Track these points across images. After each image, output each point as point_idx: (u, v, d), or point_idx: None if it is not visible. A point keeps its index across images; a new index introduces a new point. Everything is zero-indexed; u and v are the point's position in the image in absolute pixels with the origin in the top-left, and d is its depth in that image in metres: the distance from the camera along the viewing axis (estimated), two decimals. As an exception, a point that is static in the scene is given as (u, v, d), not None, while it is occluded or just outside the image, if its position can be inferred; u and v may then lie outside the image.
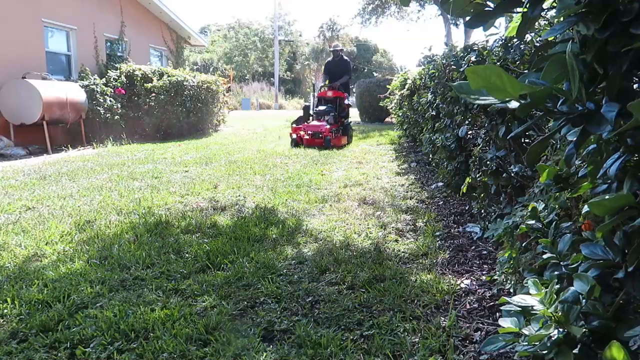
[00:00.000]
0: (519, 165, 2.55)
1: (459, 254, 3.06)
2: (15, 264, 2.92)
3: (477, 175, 3.12)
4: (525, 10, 1.02)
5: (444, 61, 4.20)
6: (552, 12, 1.27)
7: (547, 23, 1.65)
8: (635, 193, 0.95)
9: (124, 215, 4.07)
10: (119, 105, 10.46)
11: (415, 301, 2.37)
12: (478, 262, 2.90)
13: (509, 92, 0.86)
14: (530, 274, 1.75)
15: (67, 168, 6.68)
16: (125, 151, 8.68)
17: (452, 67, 3.70)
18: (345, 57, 10.67)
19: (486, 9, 1.04)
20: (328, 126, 9.02)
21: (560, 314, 1.08)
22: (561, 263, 1.36)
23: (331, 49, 11.03)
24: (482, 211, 3.31)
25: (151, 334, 2.06)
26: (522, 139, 2.66)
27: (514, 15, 1.30)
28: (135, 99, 10.92)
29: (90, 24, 11.37)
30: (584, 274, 1.10)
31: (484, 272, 2.72)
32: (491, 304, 2.31)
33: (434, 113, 4.99)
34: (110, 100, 10.30)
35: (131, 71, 11.03)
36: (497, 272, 2.49)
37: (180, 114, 11.11)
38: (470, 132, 3.49)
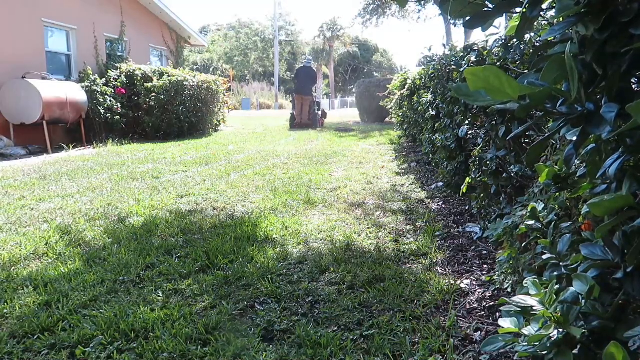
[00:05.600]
0: (519, 165, 2.55)
1: (459, 254, 3.06)
2: (15, 264, 2.92)
3: (477, 175, 3.12)
4: (525, 10, 1.02)
5: (443, 61, 4.20)
6: (552, 13, 1.27)
7: (547, 23, 1.65)
8: (635, 194, 0.95)
9: (124, 215, 4.07)
10: (119, 105, 10.46)
11: (415, 301, 2.37)
12: (478, 262, 2.90)
13: (508, 94, 0.86)
14: (529, 274, 1.75)
15: (67, 168, 6.69)
16: (125, 151, 8.68)
17: (452, 67, 3.70)
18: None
19: (485, 9, 1.04)
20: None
21: (559, 314, 1.08)
22: (561, 263, 1.36)
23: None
24: (482, 211, 3.31)
25: (151, 334, 2.06)
26: (522, 139, 2.66)
27: (513, 15, 1.30)
28: (136, 98, 10.92)
29: (90, 24, 11.37)
30: (584, 275, 1.10)
31: (484, 272, 2.72)
32: (491, 304, 2.31)
33: (434, 113, 4.99)
34: (111, 100, 10.30)
35: (131, 71, 11.03)
36: (497, 272, 2.49)
37: (180, 114, 11.11)
38: (470, 132, 3.49)
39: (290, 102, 14.71)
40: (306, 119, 13.71)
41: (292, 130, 13.46)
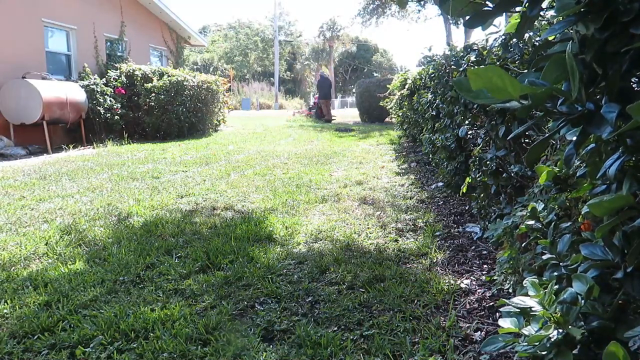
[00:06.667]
0: (519, 165, 2.55)
1: (459, 254, 3.06)
2: (15, 264, 2.92)
3: (477, 175, 3.11)
4: (525, 9, 1.02)
5: (443, 61, 4.20)
6: (552, 12, 1.27)
7: (546, 22, 1.65)
8: (635, 194, 0.95)
9: (124, 215, 4.07)
10: (119, 105, 10.46)
11: (415, 301, 2.37)
12: (478, 262, 2.90)
13: (510, 93, 0.86)
14: (529, 275, 1.75)
15: (67, 168, 6.69)
16: (125, 151, 8.68)
17: (452, 67, 3.69)
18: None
19: (485, 8, 1.04)
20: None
21: (559, 314, 1.08)
22: (561, 263, 1.36)
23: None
24: (482, 211, 3.31)
25: (151, 334, 2.06)
26: (522, 139, 2.65)
27: (513, 14, 1.29)
28: (135, 99, 10.92)
29: (90, 24, 11.37)
30: (583, 275, 1.10)
31: (484, 272, 2.72)
32: (491, 304, 2.31)
33: (434, 113, 4.99)
34: (110, 100, 10.30)
35: (131, 71, 11.03)
36: (497, 272, 2.49)
37: (180, 114, 11.11)
38: (470, 132, 3.49)
39: (315, 103, 20.28)
40: (330, 116, 18.81)
41: (317, 122, 18.09)
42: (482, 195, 3.22)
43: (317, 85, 19.78)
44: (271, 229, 3.61)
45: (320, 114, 19.25)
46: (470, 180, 3.23)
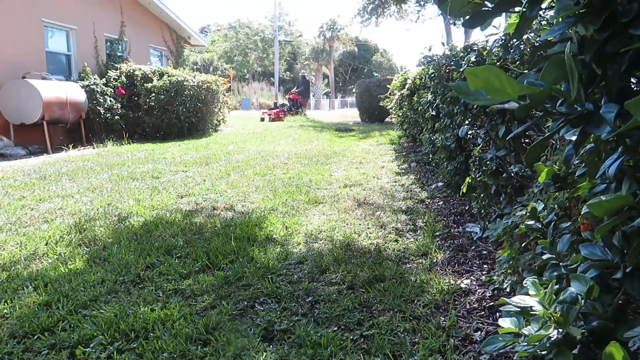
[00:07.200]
0: (518, 165, 2.55)
1: (459, 254, 3.06)
2: (15, 264, 2.92)
3: (477, 175, 3.11)
4: (524, 10, 1.02)
5: (443, 61, 4.20)
6: (552, 12, 1.27)
7: (546, 23, 1.65)
8: (634, 193, 0.95)
9: (124, 215, 4.07)
10: (119, 105, 10.46)
11: (415, 301, 2.37)
12: (478, 262, 2.90)
13: (508, 93, 0.86)
14: (529, 275, 1.75)
15: (67, 168, 6.69)
16: (125, 151, 8.68)
17: (452, 67, 3.69)
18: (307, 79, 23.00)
19: (484, 9, 1.04)
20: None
21: (559, 314, 1.08)
22: (560, 263, 1.36)
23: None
24: (482, 211, 3.31)
25: (151, 334, 2.06)
26: (522, 139, 2.66)
27: (512, 14, 1.29)
28: (136, 99, 10.92)
29: (90, 24, 11.37)
30: (582, 275, 1.10)
31: (484, 272, 2.72)
32: (491, 304, 2.31)
33: (434, 113, 4.99)
34: (110, 100, 10.30)
35: (131, 71, 11.03)
36: (497, 272, 2.49)
37: (180, 114, 11.11)
38: (470, 132, 3.49)
39: (290, 99, 22.20)
40: (305, 111, 22.29)
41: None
42: (482, 195, 3.22)
43: (303, 86, 22.31)
44: (271, 229, 3.61)
45: (302, 111, 22.22)
46: (470, 180, 3.23)
